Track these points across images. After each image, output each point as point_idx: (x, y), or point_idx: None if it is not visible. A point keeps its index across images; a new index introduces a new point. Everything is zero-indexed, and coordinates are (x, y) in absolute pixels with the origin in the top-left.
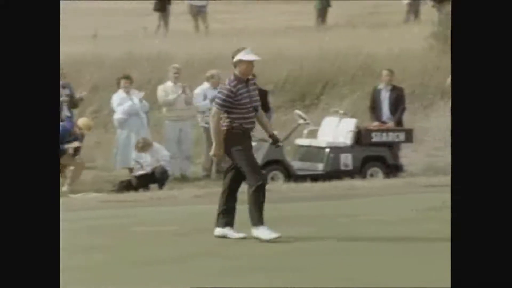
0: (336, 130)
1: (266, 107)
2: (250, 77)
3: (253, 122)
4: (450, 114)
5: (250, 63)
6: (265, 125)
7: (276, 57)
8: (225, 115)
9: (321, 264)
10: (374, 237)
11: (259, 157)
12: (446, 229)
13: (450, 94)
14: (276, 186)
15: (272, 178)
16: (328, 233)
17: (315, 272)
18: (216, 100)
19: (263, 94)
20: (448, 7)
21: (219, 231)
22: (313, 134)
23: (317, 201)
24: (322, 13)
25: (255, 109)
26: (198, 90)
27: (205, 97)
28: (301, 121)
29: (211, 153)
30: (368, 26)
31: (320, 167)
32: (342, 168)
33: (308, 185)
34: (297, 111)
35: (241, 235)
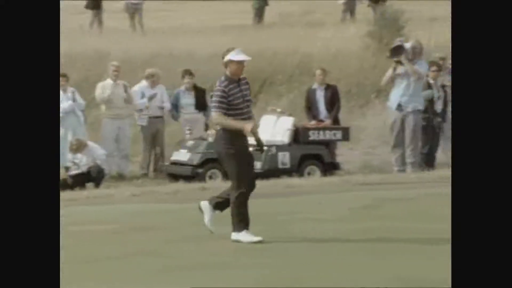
0: (273, 128)
1: (203, 106)
2: (241, 76)
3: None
4: (385, 112)
5: (240, 63)
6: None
7: (213, 56)
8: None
9: (262, 262)
10: (312, 235)
11: (198, 156)
12: (381, 227)
13: (386, 93)
14: (215, 184)
15: (211, 177)
16: (266, 231)
17: (258, 271)
18: (213, 104)
19: (201, 93)
20: (383, 6)
21: (204, 204)
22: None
23: (255, 199)
24: (259, 12)
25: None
26: (136, 88)
27: (142, 96)
28: None
29: (248, 130)
30: (305, 25)
31: (258, 165)
32: (280, 166)
33: None
34: None
35: (212, 228)
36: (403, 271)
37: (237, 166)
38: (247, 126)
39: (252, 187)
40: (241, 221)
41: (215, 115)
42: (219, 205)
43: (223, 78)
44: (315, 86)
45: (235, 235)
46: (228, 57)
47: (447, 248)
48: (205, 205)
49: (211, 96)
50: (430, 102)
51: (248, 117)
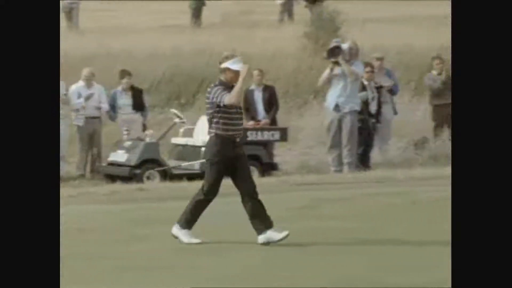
0: None
1: (141, 107)
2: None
3: (241, 129)
4: (323, 113)
5: (237, 72)
6: None
7: (151, 56)
8: (215, 120)
9: (201, 263)
10: (252, 235)
11: (135, 156)
12: (320, 227)
13: (323, 93)
14: (152, 185)
15: (148, 177)
16: (205, 232)
17: (195, 271)
18: (220, 96)
19: (138, 93)
20: (319, 7)
21: (261, 238)
22: (189, 133)
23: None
24: (196, 12)
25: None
26: (73, 88)
27: (79, 96)
28: (177, 119)
29: (245, 71)
30: (243, 26)
31: (196, 166)
32: None
33: (184, 184)
34: (173, 110)
35: (285, 233)
36: (347, 271)
37: (216, 176)
38: (243, 72)
39: (255, 194)
40: (190, 221)
41: (228, 98)
42: (266, 225)
43: (217, 82)
44: (253, 87)
45: (176, 230)
46: (226, 64)
47: (388, 248)
48: (262, 238)
49: (208, 99)
50: (365, 103)
51: (238, 123)
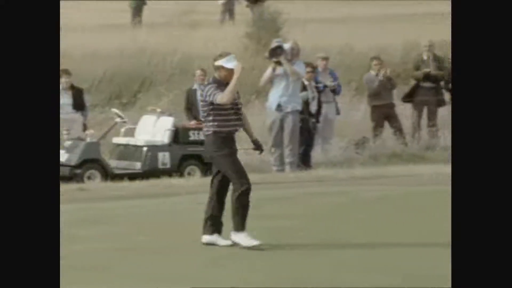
0: (153, 128)
1: (81, 106)
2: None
3: (237, 125)
4: (265, 113)
5: (231, 70)
6: (248, 129)
7: (92, 55)
8: (210, 118)
9: (143, 263)
10: (196, 234)
11: (76, 156)
12: (262, 226)
13: (265, 93)
14: (93, 185)
15: (89, 177)
16: (147, 231)
17: (137, 271)
18: (212, 94)
19: (79, 92)
20: (261, 7)
21: (206, 238)
22: (130, 132)
23: (135, 199)
24: (137, 11)
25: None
26: None
27: None
28: (118, 119)
29: (239, 69)
30: (184, 25)
31: (138, 165)
32: (160, 166)
33: (125, 184)
34: (114, 110)
35: (228, 242)
36: (300, 271)
37: (234, 165)
38: (237, 70)
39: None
40: (244, 221)
41: (220, 96)
42: (215, 229)
43: (211, 79)
44: (195, 86)
45: (234, 236)
46: (220, 63)
47: (335, 247)
48: (207, 238)
49: (202, 97)
50: (305, 103)
51: (235, 118)
